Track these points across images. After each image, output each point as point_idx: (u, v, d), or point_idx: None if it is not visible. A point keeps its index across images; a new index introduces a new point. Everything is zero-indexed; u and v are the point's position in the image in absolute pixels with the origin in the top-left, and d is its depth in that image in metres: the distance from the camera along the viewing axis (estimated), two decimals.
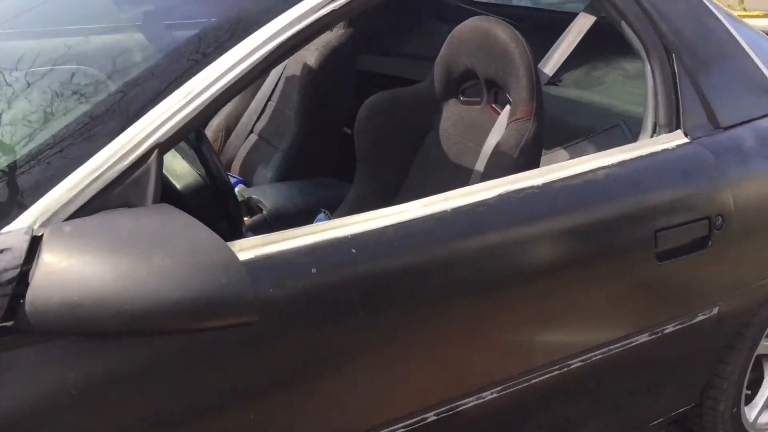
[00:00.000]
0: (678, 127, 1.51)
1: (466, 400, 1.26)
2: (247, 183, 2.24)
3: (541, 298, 1.30)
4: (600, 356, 1.40)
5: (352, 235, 1.14)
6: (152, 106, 1.04)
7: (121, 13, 1.47)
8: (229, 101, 1.15)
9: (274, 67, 1.17)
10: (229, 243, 0.99)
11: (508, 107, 1.67)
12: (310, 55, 2.21)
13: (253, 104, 2.45)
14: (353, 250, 1.13)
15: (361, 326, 1.13)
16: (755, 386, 1.90)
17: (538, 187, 1.31)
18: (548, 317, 1.32)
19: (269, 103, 2.43)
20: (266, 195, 2.00)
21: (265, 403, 1.07)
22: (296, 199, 1.99)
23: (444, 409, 1.24)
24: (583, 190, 1.35)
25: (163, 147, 1.03)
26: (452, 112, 1.83)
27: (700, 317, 1.53)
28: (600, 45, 1.83)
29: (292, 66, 2.41)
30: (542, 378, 1.33)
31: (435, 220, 1.21)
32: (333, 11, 1.16)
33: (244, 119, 2.44)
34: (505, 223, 1.27)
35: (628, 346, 1.43)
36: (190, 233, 0.93)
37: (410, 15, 2.77)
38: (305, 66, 2.20)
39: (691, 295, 1.52)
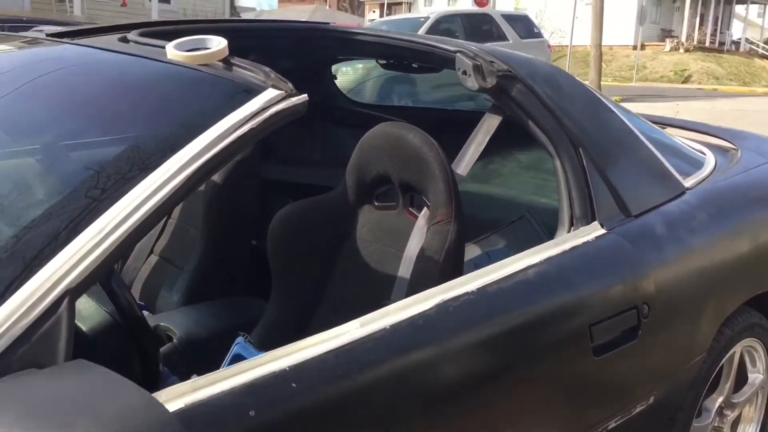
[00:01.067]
0: (594, 218, 1.54)
1: None
2: (151, 309, 2.09)
3: (489, 406, 1.25)
4: None
5: (290, 367, 1.05)
6: (60, 249, 0.93)
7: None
8: (147, 233, 1.06)
9: (194, 190, 1.10)
10: (154, 394, 0.88)
11: (425, 210, 1.66)
12: None
13: None
14: (293, 384, 1.04)
15: None
16: None
17: (473, 293, 1.28)
18: (499, 422, 1.26)
19: (169, 221, 2.31)
20: (175, 321, 1.86)
21: None
22: (209, 323, 1.86)
23: None
24: (517, 292, 1.33)
25: (74, 293, 0.92)
26: (368, 218, 1.80)
27: (639, 408, 1.51)
28: (492, 138, 1.87)
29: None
30: None
31: (375, 340, 1.14)
32: (252, 129, 1.11)
33: (142, 240, 2.30)
34: (446, 334, 1.22)
35: None
36: (114, 392, 0.82)
37: (302, 119, 2.76)
38: (209, 181, 2.12)
39: (629, 387, 1.51)
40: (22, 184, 1.17)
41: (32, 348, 0.87)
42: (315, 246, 1.80)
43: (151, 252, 2.30)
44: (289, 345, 1.09)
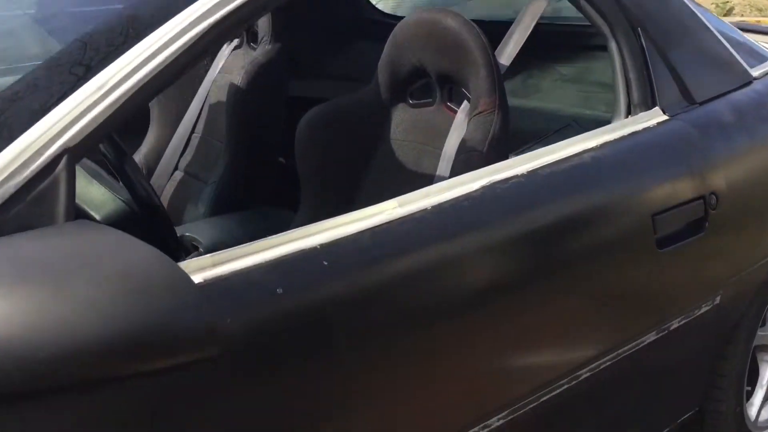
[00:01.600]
0: (654, 104, 1.39)
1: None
2: (177, 225, 1.99)
3: (544, 302, 1.12)
4: (609, 362, 1.22)
5: (321, 245, 0.93)
6: (57, 103, 0.82)
7: None
8: (152, 98, 0.94)
9: (205, 53, 0.97)
10: None
11: (465, 103, 1.52)
12: (236, 75, 2.01)
13: (174, 139, 2.21)
14: (325, 263, 0.92)
15: (343, 358, 0.92)
16: (751, 382, 1.77)
17: (524, 175, 1.15)
18: (554, 323, 1.14)
19: (193, 135, 2.20)
20: (201, 231, 1.76)
21: None
22: (235, 232, 1.76)
23: None
24: (572, 176, 1.20)
25: (73, 153, 0.81)
26: (402, 117, 1.66)
27: (704, 309, 1.38)
28: (532, 52, 1.72)
29: (215, 93, 2.20)
30: (551, 395, 1.15)
31: (415, 221, 1.02)
32: None
33: (166, 156, 2.20)
34: (494, 218, 1.09)
35: (636, 348, 1.26)
36: (122, 251, 0.71)
37: (336, 34, 2.61)
38: (231, 87, 1.99)
39: (694, 284, 1.37)
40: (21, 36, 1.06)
41: (27, 209, 0.76)
42: (346, 148, 1.67)
43: (176, 168, 2.20)
44: (321, 222, 0.97)
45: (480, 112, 1.41)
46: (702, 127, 1.40)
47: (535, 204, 1.14)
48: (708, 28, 1.59)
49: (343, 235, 0.96)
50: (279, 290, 0.87)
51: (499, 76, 1.41)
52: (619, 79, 1.40)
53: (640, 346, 1.27)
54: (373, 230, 0.98)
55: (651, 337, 1.28)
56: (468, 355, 1.05)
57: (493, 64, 1.42)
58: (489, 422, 1.07)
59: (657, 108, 1.38)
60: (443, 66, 1.50)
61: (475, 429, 1.05)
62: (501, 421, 1.08)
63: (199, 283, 0.82)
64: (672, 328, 1.32)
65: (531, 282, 1.11)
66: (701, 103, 1.45)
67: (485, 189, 1.09)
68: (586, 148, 1.24)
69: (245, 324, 0.84)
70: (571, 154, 1.22)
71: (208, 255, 0.88)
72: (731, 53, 1.59)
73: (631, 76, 1.39)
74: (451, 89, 1.57)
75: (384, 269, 0.97)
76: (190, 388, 0.77)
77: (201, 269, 0.84)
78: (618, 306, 1.23)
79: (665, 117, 1.38)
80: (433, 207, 1.04)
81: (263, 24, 2.05)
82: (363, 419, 0.95)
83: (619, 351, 1.23)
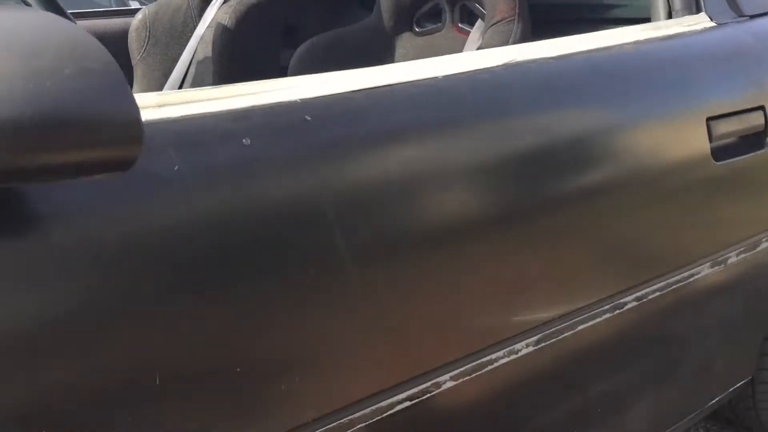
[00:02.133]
0: (699, 11, 1.19)
1: (490, 357, 0.84)
2: None
3: (579, 207, 0.91)
4: (657, 293, 1.01)
5: (302, 100, 0.73)
6: None
7: None
8: None
9: None
10: None
11: (480, 22, 1.33)
12: (223, 14, 1.83)
13: None
14: (307, 117, 0.72)
15: (335, 242, 0.70)
16: None
17: (555, 58, 0.95)
18: (590, 236, 0.93)
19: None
20: None
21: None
22: None
23: (460, 370, 0.81)
24: (613, 63, 1.00)
25: None
26: (408, 46, 1.48)
27: (764, 243, 1.16)
28: None
29: (203, 49, 2.02)
30: (590, 324, 0.93)
31: (422, 87, 0.82)
32: None
33: None
34: (518, 98, 0.89)
35: (686, 281, 1.05)
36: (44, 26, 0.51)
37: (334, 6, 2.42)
38: (218, 28, 1.81)
39: (754, 211, 1.16)
40: None
41: None
42: None
43: None
44: (306, 76, 0.78)
45: (497, 22, 1.23)
46: (757, 36, 1.20)
47: (567, 92, 0.94)
48: None
49: (332, 92, 0.76)
50: (246, 141, 0.67)
51: None
52: None
53: (691, 279, 1.05)
54: (369, 92, 0.78)
55: (704, 269, 1.07)
56: (500, 256, 0.84)
57: None
58: (515, 347, 0.85)
59: (703, 14, 1.18)
60: None
61: (499, 353, 0.84)
62: (530, 348, 0.87)
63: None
64: (729, 261, 1.10)
65: (554, 182, 0.90)
66: (751, 17, 1.26)
67: (509, 66, 0.89)
68: (624, 41, 1.04)
69: (198, 171, 0.63)
70: (610, 44, 1.02)
71: (155, 93, 0.68)
72: None
73: None
74: (462, 7, 1.39)
75: (379, 134, 0.76)
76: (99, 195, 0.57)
77: (143, 108, 0.64)
78: (667, 223, 1.01)
79: (713, 23, 1.18)
80: (446, 77, 0.84)
81: None
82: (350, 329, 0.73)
83: (668, 280, 1.01)
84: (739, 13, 1.25)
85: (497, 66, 0.88)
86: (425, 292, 0.77)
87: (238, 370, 0.65)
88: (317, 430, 0.70)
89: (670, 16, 1.19)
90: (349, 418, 0.73)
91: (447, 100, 0.82)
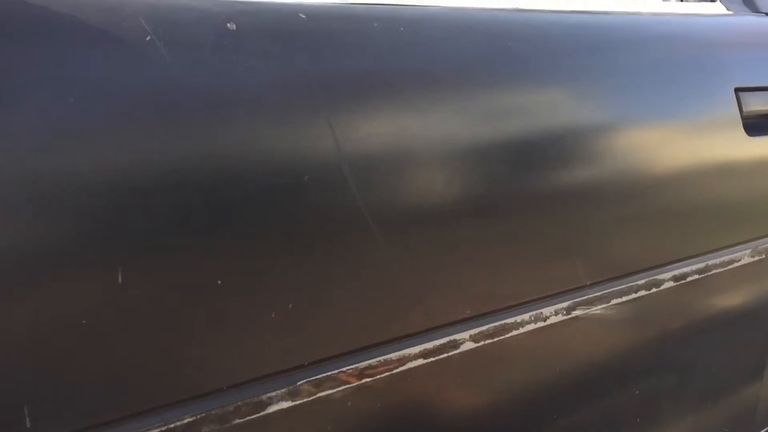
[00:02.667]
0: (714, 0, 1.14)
1: (515, 320, 0.71)
2: None
3: (615, 173, 0.81)
4: (698, 276, 0.89)
5: (299, 3, 0.65)
6: None
7: None
8: None
9: None
10: None
11: None
12: None
13: None
14: (302, 15, 0.63)
15: (336, 153, 0.60)
16: None
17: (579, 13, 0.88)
18: (623, 204, 0.82)
19: None
20: None
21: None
22: None
23: (482, 330, 0.68)
24: (638, 28, 0.92)
25: None
26: None
27: None
28: None
29: None
30: (623, 299, 0.81)
31: (457, 11, 0.74)
32: None
33: None
34: (554, 43, 0.80)
35: (726, 268, 0.93)
36: None
37: None
38: None
39: None
40: None
41: None
42: None
43: None
44: None
45: None
46: None
47: (598, 46, 0.85)
48: None
49: (333, 1, 0.67)
50: (230, 25, 0.58)
51: None
52: None
53: (731, 266, 0.93)
54: (374, 6, 0.69)
55: (744, 257, 0.95)
56: (522, 206, 0.72)
57: None
58: (543, 312, 0.73)
59: (718, 3, 1.13)
60: None
61: (525, 316, 0.71)
62: (559, 317, 0.74)
63: None
64: (764, 246, 0.99)
65: (591, 146, 0.80)
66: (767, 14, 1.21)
67: (525, 12, 0.82)
68: (652, 11, 0.98)
69: (173, 46, 0.54)
70: (630, 9, 0.95)
71: None
72: None
73: None
74: None
75: (388, 49, 0.67)
76: None
77: None
78: (704, 200, 0.91)
79: (729, 12, 1.13)
80: (481, 9, 0.77)
81: None
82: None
83: (708, 262, 0.90)
84: (755, 10, 1.21)
85: (510, 8, 0.81)
86: (447, 247, 0.66)
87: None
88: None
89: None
90: (357, 366, 0.60)
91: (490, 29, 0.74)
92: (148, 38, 0.53)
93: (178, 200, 0.51)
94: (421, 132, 0.65)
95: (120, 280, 0.48)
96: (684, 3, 1.10)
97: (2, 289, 0.45)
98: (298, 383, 0.57)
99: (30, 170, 0.46)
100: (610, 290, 0.79)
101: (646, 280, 0.83)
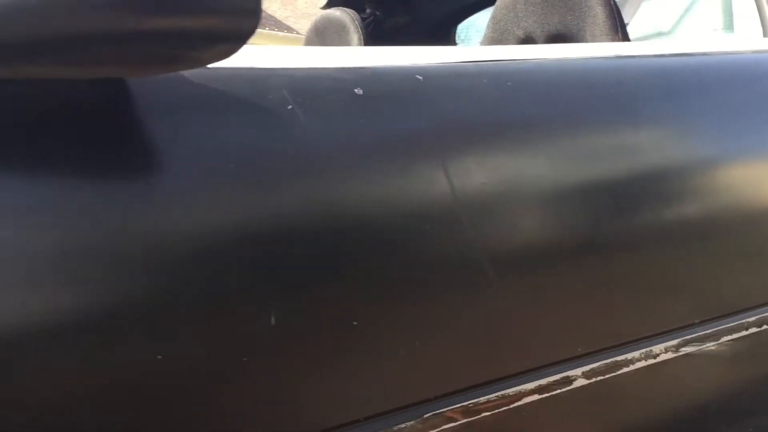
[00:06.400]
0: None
1: (625, 357, 0.73)
2: None
3: (728, 209, 0.83)
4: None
5: (415, 63, 0.71)
6: None
7: None
8: None
9: None
10: None
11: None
12: None
13: None
14: (419, 77, 0.69)
15: (447, 193, 0.65)
16: None
17: (666, 56, 0.90)
18: (738, 238, 0.84)
19: None
20: None
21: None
22: None
23: (593, 367, 0.71)
24: (733, 69, 0.94)
25: None
26: None
27: None
28: None
29: None
30: (734, 336, 0.82)
31: (556, 63, 0.79)
32: None
33: None
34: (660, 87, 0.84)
35: None
36: None
37: None
38: None
39: None
40: None
41: None
42: None
43: None
44: (415, 47, 0.76)
45: None
46: None
47: (693, 90, 0.88)
48: None
49: (445, 62, 0.73)
50: (357, 90, 0.65)
51: (620, 16, 1.21)
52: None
53: None
54: (482, 63, 0.75)
55: None
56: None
57: (614, 8, 1.22)
58: (653, 350, 0.75)
59: None
60: (553, 24, 1.32)
61: (635, 353, 0.73)
62: (669, 354, 0.76)
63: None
64: None
65: (698, 181, 0.82)
66: None
67: (617, 59, 0.86)
68: (738, 48, 0.99)
69: (311, 111, 0.61)
70: (713, 50, 0.97)
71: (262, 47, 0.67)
72: None
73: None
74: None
75: (496, 101, 0.72)
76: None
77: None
78: None
79: None
80: (585, 58, 0.81)
81: None
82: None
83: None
84: None
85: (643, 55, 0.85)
86: (559, 287, 0.70)
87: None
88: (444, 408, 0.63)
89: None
90: (473, 402, 0.64)
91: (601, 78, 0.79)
92: (290, 107, 0.60)
93: (321, 250, 0.58)
94: (531, 177, 0.69)
95: (273, 322, 0.55)
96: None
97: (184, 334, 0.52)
98: (425, 416, 0.62)
99: (198, 225, 0.53)
100: (719, 327, 0.81)
101: (757, 317, 0.84)
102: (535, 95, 0.74)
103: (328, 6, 2.10)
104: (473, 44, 2.69)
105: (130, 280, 0.50)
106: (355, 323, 0.58)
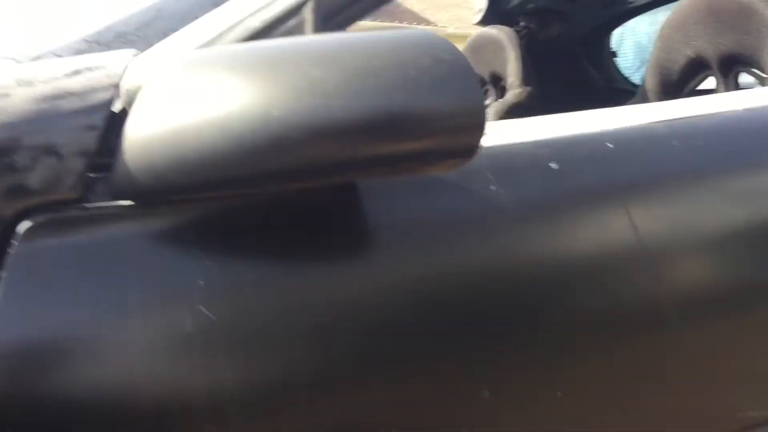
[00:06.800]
0: None
1: None
2: None
3: None
4: None
5: (605, 131, 0.74)
6: None
7: None
8: None
9: None
10: None
11: (758, 88, 1.27)
12: None
13: None
14: (609, 145, 0.73)
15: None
16: None
17: None
18: None
19: None
20: None
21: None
22: None
23: None
24: None
25: None
26: None
27: None
28: None
29: None
30: None
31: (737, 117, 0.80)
32: None
33: None
34: None
35: None
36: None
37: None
38: None
39: None
40: None
41: None
42: None
43: None
44: (602, 110, 0.79)
45: None
46: None
47: None
48: None
49: (633, 125, 0.76)
50: (553, 165, 0.69)
51: None
52: None
53: None
54: (671, 122, 0.77)
55: None
56: None
57: None
58: None
59: None
60: (727, 45, 1.29)
61: None
62: None
63: None
64: None
65: None
66: None
67: None
68: None
69: (514, 193, 0.66)
70: None
71: None
72: None
73: None
74: (738, 74, 1.33)
75: (686, 164, 0.74)
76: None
77: None
78: None
79: None
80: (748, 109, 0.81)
81: (512, 69, 1.98)
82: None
83: None
84: None
85: None
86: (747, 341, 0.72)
87: None
88: None
89: None
90: None
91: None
92: (493, 188, 0.66)
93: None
94: (715, 221, 0.71)
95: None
96: None
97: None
98: None
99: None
100: None
101: None
102: (726, 153, 0.76)
103: (483, 22, 2.14)
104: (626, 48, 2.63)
105: None
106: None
